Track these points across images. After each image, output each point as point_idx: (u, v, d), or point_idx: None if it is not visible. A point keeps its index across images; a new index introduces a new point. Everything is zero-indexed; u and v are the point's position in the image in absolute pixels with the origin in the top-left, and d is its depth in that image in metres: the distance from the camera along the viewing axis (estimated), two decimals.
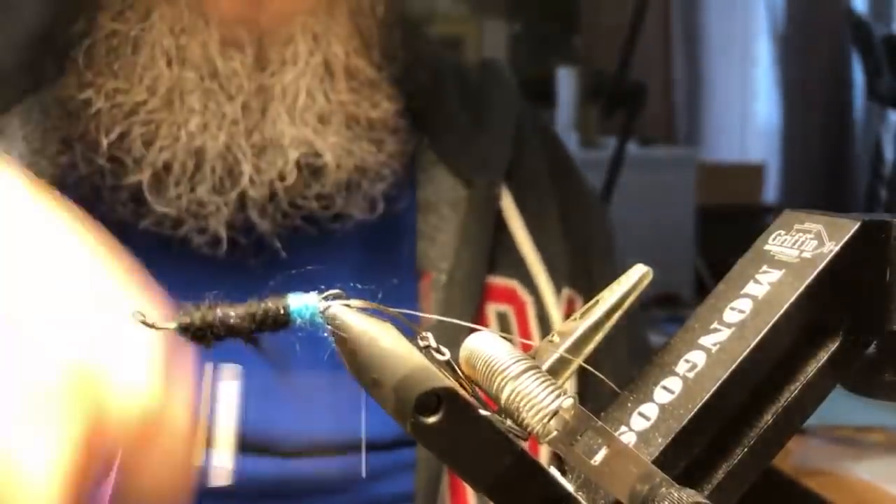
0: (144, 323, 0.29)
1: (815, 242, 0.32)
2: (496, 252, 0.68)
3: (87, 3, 0.61)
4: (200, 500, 0.59)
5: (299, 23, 0.60)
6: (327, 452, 0.61)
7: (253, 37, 0.59)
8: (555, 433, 0.27)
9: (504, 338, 0.29)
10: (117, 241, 0.61)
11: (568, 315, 0.69)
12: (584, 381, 0.61)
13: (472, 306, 0.64)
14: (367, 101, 0.63)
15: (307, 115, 0.60)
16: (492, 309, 0.66)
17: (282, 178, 0.59)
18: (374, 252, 0.67)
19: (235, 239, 0.60)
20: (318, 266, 0.63)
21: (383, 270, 0.66)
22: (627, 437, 0.30)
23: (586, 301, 0.71)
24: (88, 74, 0.60)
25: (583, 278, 0.71)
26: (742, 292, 0.32)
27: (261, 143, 0.59)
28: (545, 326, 0.67)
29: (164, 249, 0.60)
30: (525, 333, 0.66)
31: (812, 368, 0.32)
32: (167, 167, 0.59)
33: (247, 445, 0.60)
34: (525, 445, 0.27)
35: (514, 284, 0.68)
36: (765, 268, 0.32)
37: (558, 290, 0.69)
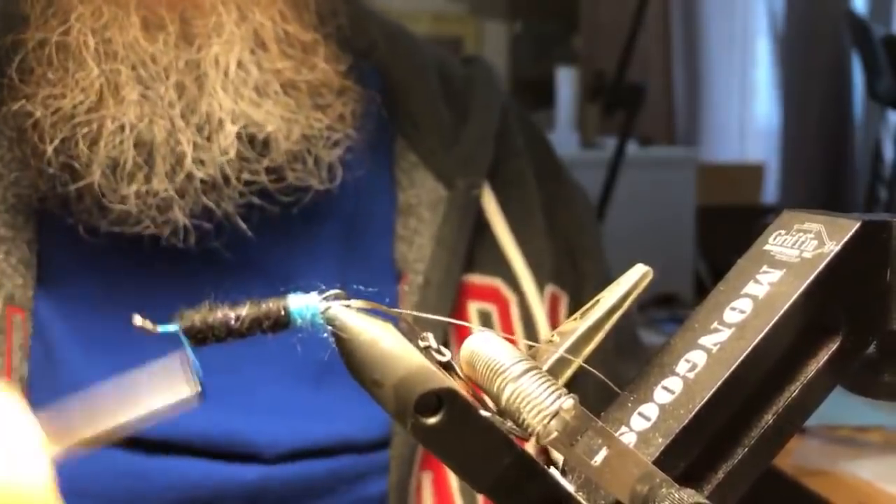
0: (144, 329, 0.28)
1: (815, 242, 0.32)
2: (478, 251, 0.67)
3: (11, 17, 0.60)
4: (180, 502, 0.59)
5: None
6: (311, 457, 0.61)
7: (174, 14, 0.59)
8: (555, 434, 0.27)
9: (504, 338, 0.29)
10: (90, 248, 0.61)
11: (552, 313, 0.69)
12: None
13: (447, 307, 0.64)
14: (305, 66, 0.61)
15: (242, 88, 0.59)
16: (473, 308, 0.66)
17: (224, 153, 0.58)
18: (351, 252, 0.66)
19: (201, 226, 0.59)
20: (297, 253, 0.63)
21: (361, 271, 0.66)
22: (628, 438, 0.30)
23: (571, 298, 0.72)
24: (24, 88, 0.59)
25: (569, 276, 0.71)
26: (742, 292, 0.32)
27: (199, 122, 0.58)
28: (529, 324, 0.67)
29: (134, 247, 0.60)
30: (508, 331, 0.66)
31: (812, 368, 0.32)
32: (116, 164, 0.58)
33: (230, 454, 0.60)
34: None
35: (496, 283, 0.67)
36: (765, 268, 0.32)
37: (541, 288, 0.68)
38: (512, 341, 0.29)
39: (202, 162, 0.58)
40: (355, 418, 0.62)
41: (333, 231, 0.66)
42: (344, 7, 0.64)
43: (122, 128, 0.57)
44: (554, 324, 0.68)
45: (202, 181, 0.58)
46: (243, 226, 0.59)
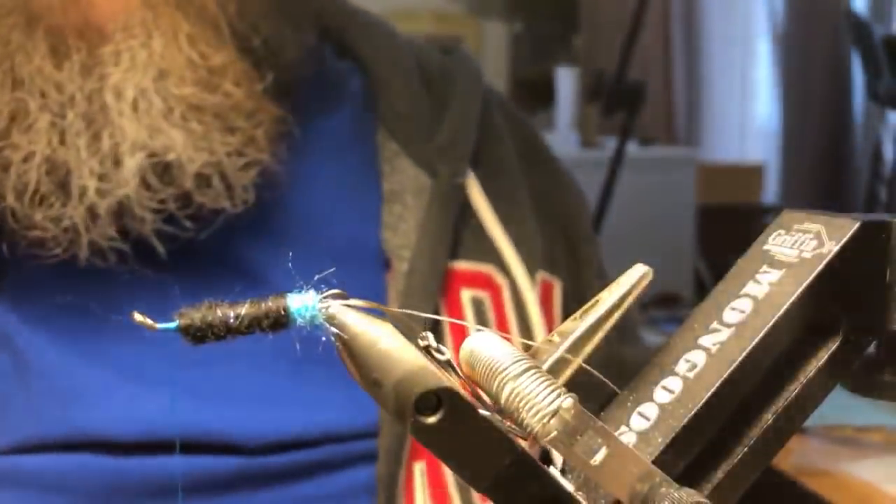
0: (143, 323, 0.29)
1: (814, 242, 0.32)
2: (467, 239, 0.68)
3: None
4: (158, 496, 0.59)
5: (121, 21, 0.59)
6: (293, 448, 0.61)
7: (82, 42, 0.58)
8: (555, 433, 0.27)
9: (504, 337, 0.29)
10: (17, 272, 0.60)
11: (544, 300, 0.69)
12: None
13: (433, 294, 0.64)
14: (210, 90, 0.60)
15: (144, 116, 0.58)
16: (466, 295, 0.67)
17: (125, 184, 0.57)
18: (330, 241, 0.66)
19: (120, 248, 0.59)
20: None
21: (348, 259, 0.66)
22: (627, 437, 0.30)
23: (564, 283, 0.72)
24: None
25: (563, 263, 0.72)
26: (742, 292, 0.32)
27: (104, 152, 0.58)
28: (521, 311, 0.67)
29: (57, 269, 0.59)
30: (501, 318, 0.67)
31: (812, 368, 0.32)
32: (26, 191, 0.58)
33: (210, 446, 0.60)
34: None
35: (488, 269, 0.68)
36: (764, 268, 0.32)
37: (532, 274, 0.69)
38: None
39: (103, 192, 0.57)
40: (337, 409, 0.62)
41: (294, 223, 0.66)
42: (265, 24, 0.63)
43: (32, 155, 0.57)
44: (547, 311, 0.69)
45: (103, 211, 0.57)
46: (159, 247, 0.59)
